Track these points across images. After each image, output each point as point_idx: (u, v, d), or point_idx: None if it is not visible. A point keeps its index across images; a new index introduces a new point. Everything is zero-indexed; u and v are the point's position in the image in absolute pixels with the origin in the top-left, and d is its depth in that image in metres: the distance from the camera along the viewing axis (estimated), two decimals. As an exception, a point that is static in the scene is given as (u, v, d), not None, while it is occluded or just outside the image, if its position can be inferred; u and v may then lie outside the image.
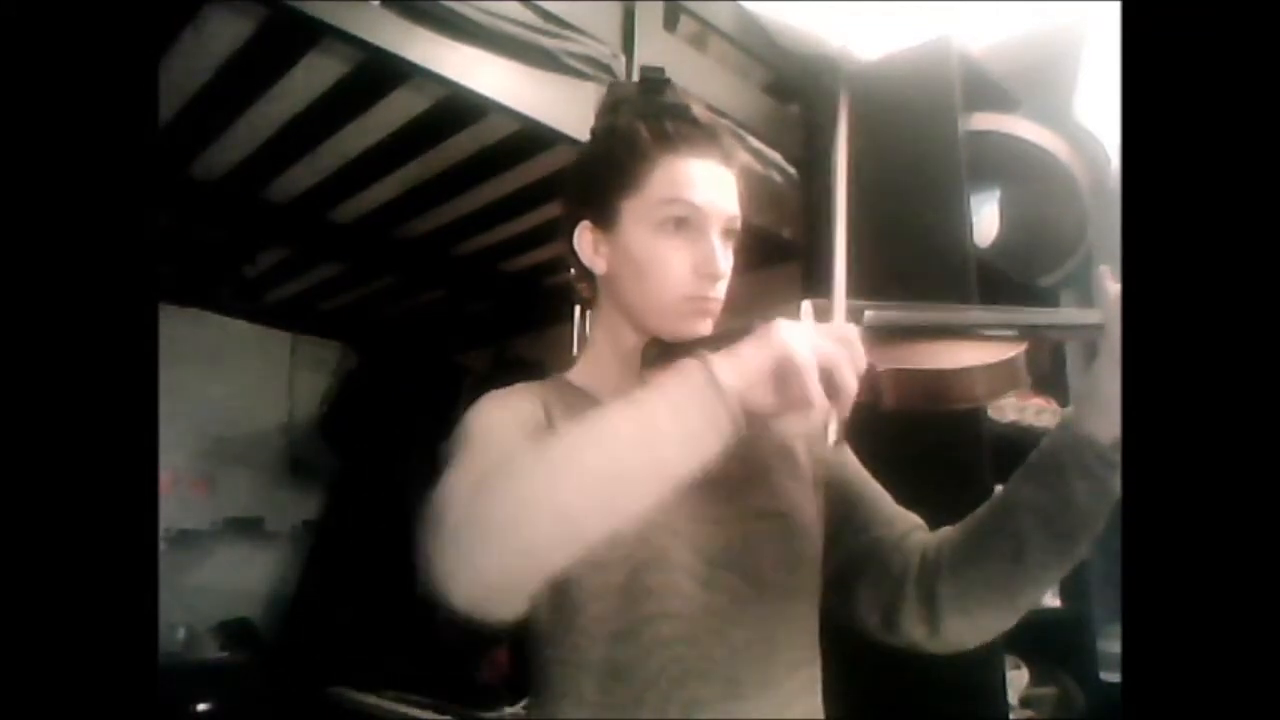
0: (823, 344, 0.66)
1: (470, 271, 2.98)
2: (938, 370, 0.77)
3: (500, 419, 0.82)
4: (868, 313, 0.83)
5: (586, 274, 0.92)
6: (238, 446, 3.46)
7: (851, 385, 0.66)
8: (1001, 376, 0.77)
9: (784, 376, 0.65)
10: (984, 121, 2.10)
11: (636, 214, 0.86)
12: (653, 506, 0.65)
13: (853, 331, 0.70)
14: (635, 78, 1.73)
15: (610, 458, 0.64)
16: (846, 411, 0.66)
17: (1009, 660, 1.79)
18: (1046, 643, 1.74)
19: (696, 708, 0.77)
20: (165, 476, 3.12)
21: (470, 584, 0.61)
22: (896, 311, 0.83)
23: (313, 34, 1.61)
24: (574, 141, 1.74)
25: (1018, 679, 1.86)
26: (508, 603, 0.64)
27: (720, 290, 0.87)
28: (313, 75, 1.81)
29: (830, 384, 0.65)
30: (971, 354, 0.77)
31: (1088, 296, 2.34)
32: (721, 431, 0.65)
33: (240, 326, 3.52)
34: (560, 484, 0.63)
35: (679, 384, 0.66)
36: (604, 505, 0.64)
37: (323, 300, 3.41)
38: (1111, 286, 0.71)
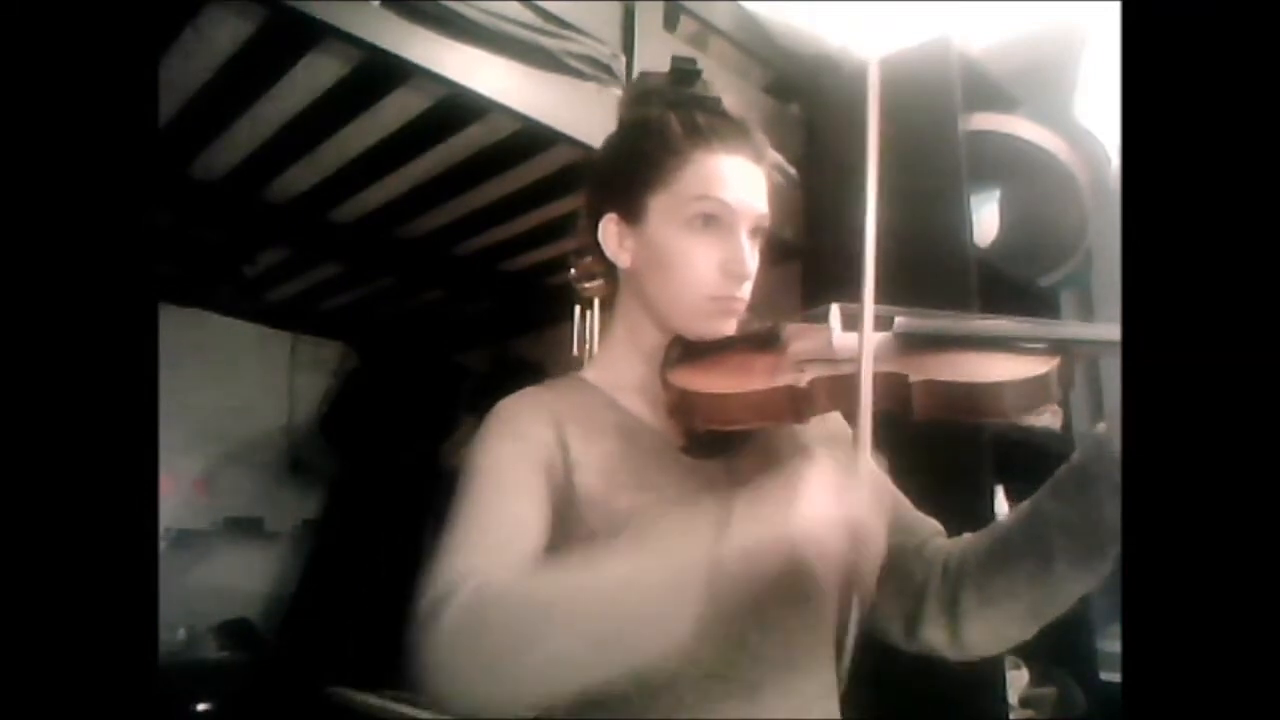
0: (847, 533, 0.62)
1: (470, 271, 2.98)
2: (971, 384, 0.75)
3: (509, 454, 0.80)
4: (898, 319, 0.82)
5: (604, 269, 0.91)
6: (238, 446, 3.46)
7: (872, 580, 0.64)
8: (1034, 392, 0.75)
9: (798, 575, 0.62)
10: (984, 121, 2.10)
11: (665, 210, 0.84)
12: (643, 663, 0.64)
13: (876, 501, 0.65)
14: (637, 75, 1.73)
15: (597, 621, 0.63)
16: (867, 602, 0.65)
17: (1009, 660, 1.80)
18: (1046, 643, 1.74)
19: (713, 711, 0.76)
20: (165, 476, 3.12)
21: (463, 708, 0.64)
22: (928, 319, 0.82)
23: (313, 34, 1.61)
24: (574, 141, 1.74)
25: (1018, 679, 1.86)
26: (498, 716, 0.66)
27: (746, 290, 0.85)
28: (313, 75, 1.81)
29: (851, 579, 0.63)
30: (1003, 367, 0.75)
31: (1088, 297, 2.36)
32: (713, 619, 0.61)
33: (240, 326, 3.52)
34: (547, 634, 0.62)
35: (680, 559, 0.63)
36: (587, 661, 0.64)
37: (323, 300, 3.41)
38: None
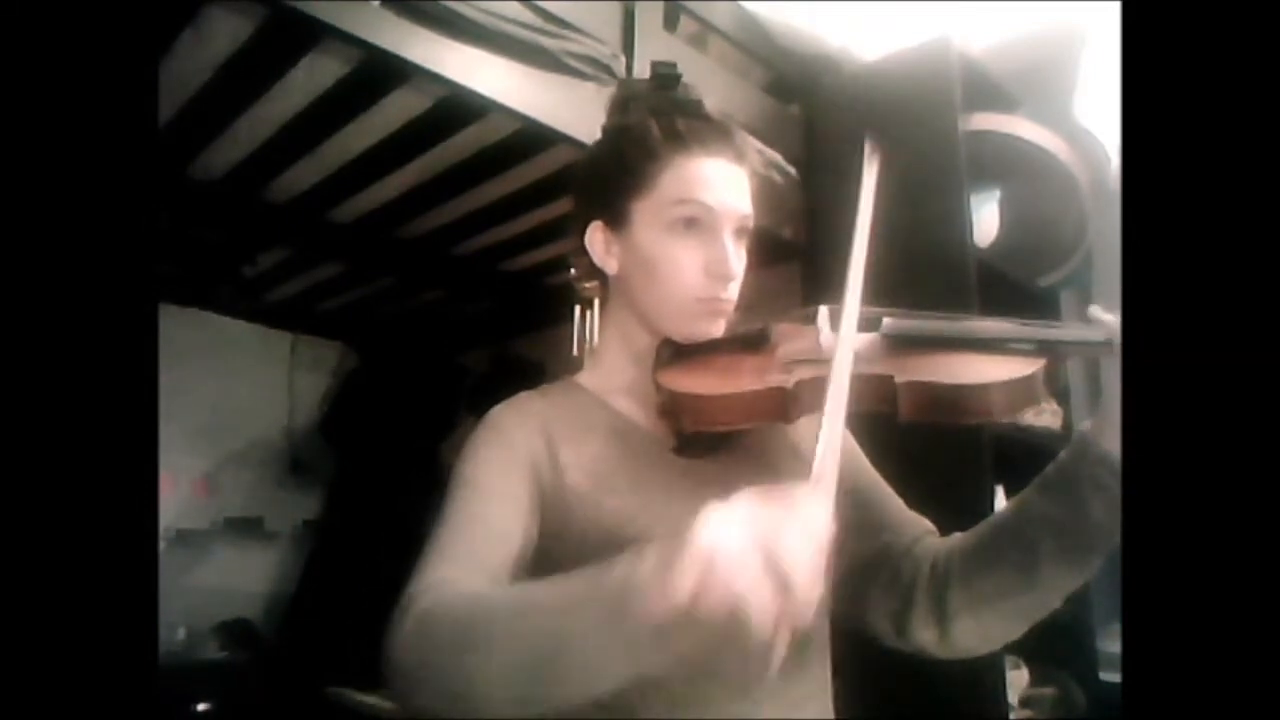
0: (768, 537, 0.52)
1: (470, 271, 2.98)
2: (956, 385, 0.75)
3: (495, 463, 0.81)
4: (886, 320, 0.82)
5: (597, 273, 0.92)
6: (238, 446, 3.46)
7: (804, 593, 0.51)
8: (1021, 393, 0.75)
9: (715, 589, 0.51)
10: (984, 121, 2.10)
11: (648, 214, 0.85)
12: (571, 701, 0.60)
13: (813, 506, 0.55)
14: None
15: (522, 650, 0.60)
16: (799, 618, 0.52)
17: (1009, 660, 1.80)
18: (1046, 643, 1.74)
19: (707, 710, 0.76)
20: (165, 477, 3.12)
21: (415, 709, 0.64)
22: (915, 321, 0.82)
23: (313, 34, 1.61)
24: (574, 141, 1.74)
25: (1018, 679, 1.86)
26: None
27: (733, 291, 0.86)
28: (313, 75, 1.81)
29: (779, 590, 0.51)
30: (990, 369, 0.76)
31: (1087, 297, 2.36)
32: (646, 650, 0.56)
33: (240, 326, 3.52)
34: (477, 660, 0.61)
35: (603, 587, 0.57)
36: (512, 692, 0.61)
37: (323, 300, 3.41)
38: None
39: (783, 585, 0.51)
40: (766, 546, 0.51)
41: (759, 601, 0.51)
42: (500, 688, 0.61)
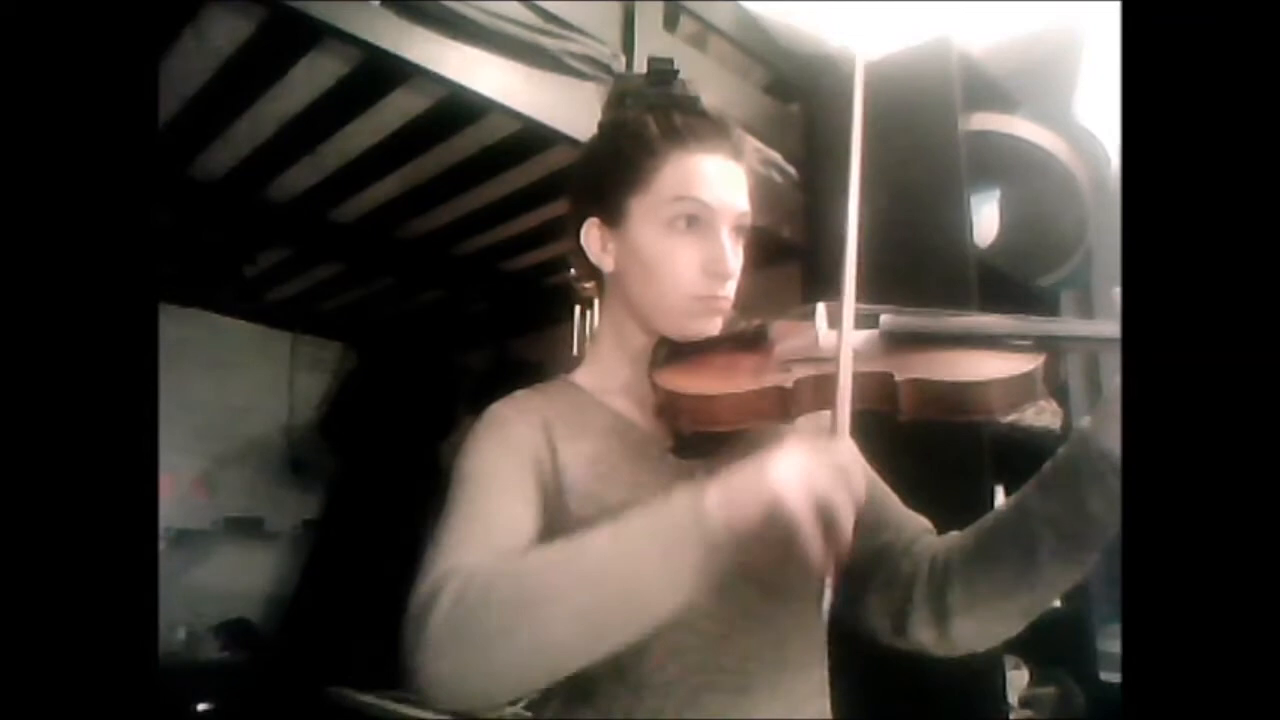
0: (821, 481, 0.62)
1: (470, 271, 2.98)
2: (957, 382, 0.75)
3: (498, 456, 0.81)
4: (884, 317, 0.82)
5: (593, 271, 0.91)
6: (238, 446, 3.46)
7: (848, 532, 0.62)
8: (1020, 390, 0.75)
9: (777, 522, 0.62)
10: (984, 121, 2.10)
11: (645, 212, 0.84)
12: (635, 636, 0.65)
13: (852, 458, 0.67)
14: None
15: (589, 593, 0.63)
16: (845, 556, 0.63)
17: (1009, 660, 1.80)
18: (1046, 643, 1.75)
19: (707, 713, 0.76)
20: (165, 476, 3.12)
21: (450, 696, 0.65)
22: (914, 317, 0.82)
23: (313, 34, 1.61)
24: (574, 141, 1.74)
25: (1018, 679, 1.86)
26: (488, 709, 0.67)
27: (730, 289, 0.85)
28: (313, 75, 1.81)
29: (828, 528, 0.62)
30: (990, 365, 0.75)
31: (1087, 297, 2.36)
32: (706, 574, 0.64)
33: (240, 326, 3.52)
34: (539, 614, 0.63)
35: (665, 519, 0.65)
36: (581, 638, 0.64)
37: (323, 300, 3.41)
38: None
39: (830, 525, 0.61)
40: (821, 493, 0.62)
41: (812, 536, 0.61)
42: (571, 634, 0.63)
